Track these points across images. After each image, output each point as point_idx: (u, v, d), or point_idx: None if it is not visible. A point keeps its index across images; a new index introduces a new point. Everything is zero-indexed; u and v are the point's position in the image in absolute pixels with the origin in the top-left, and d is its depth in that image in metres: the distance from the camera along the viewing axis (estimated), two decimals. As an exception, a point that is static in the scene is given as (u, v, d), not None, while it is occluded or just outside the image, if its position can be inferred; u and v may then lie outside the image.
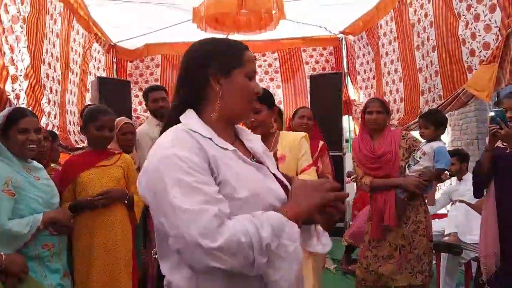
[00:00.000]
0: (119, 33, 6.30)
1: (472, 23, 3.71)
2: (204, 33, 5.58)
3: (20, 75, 3.59)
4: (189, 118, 1.15)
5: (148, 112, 3.76)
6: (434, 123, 2.93)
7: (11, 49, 3.51)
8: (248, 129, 2.05)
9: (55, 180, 2.32)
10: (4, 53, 3.45)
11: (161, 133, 1.16)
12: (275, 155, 2.33)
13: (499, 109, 2.55)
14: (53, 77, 4.32)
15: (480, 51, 3.69)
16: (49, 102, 4.15)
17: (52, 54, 4.34)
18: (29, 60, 3.71)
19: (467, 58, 3.86)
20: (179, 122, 1.14)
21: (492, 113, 2.55)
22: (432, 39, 4.35)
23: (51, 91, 4.23)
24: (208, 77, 1.15)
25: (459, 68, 4.00)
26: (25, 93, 3.62)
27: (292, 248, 1.01)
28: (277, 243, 0.99)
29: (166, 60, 7.07)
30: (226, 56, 1.17)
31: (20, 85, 3.54)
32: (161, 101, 3.56)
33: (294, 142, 2.39)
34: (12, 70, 3.49)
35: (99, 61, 6.17)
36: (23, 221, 1.95)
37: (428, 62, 4.52)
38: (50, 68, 4.25)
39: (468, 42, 3.80)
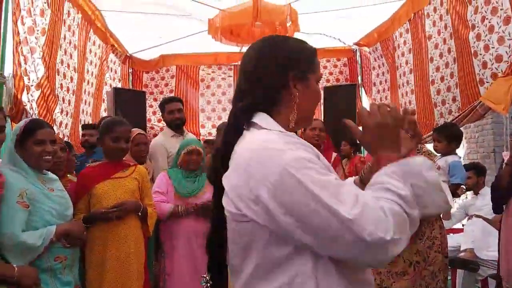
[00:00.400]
0: (135, 44, 6.39)
1: (486, 35, 3.67)
2: (219, 44, 5.64)
3: (32, 85, 3.66)
4: (268, 122, 1.07)
5: (162, 122, 3.81)
6: (447, 137, 2.90)
7: (25, 60, 3.57)
8: None
9: (70, 192, 2.34)
10: (20, 64, 3.52)
11: (227, 134, 1.09)
12: None
13: None
14: (68, 87, 4.38)
15: (493, 63, 3.64)
16: (61, 112, 4.21)
17: (68, 65, 4.41)
18: (44, 71, 3.77)
19: (479, 71, 3.81)
20: (247, 124, 1.08)
21: None
22: (453, 51, 4.30)
23: (63, 101, 4.28)
24: (288, 81, 1.10)
25: (471, 80, 3.95)
26: (36, 103, 3.69)
27: (422, 181, 1.02)
28: (411, 190, 0.97)
29: (180, 71, 7.13)
30: (305, 61, 1.14)
31: (32, 95, 3.60)
32: (177, 113, 3.61)
33: None
34: (25, 81, 3.56)
35: (115, 72, 6.25)
36: (37, 233, 1.96)
37: (447, 74, 4.47)
38: (65, 79, 4.31)
39: (481, 54, 3.75)
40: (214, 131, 7.04)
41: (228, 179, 1.03)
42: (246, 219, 0.97)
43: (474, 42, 3.81)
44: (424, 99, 4.94)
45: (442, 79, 4.53)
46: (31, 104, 3.61)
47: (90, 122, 5.09)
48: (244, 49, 6.71)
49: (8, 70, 3.47)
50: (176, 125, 3.61)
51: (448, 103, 4.46)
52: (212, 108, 7.19)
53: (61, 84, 4.23)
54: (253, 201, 0.94)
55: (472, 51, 3.85)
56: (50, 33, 3.90)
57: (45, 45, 3.82)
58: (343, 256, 0.93)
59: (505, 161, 2.74)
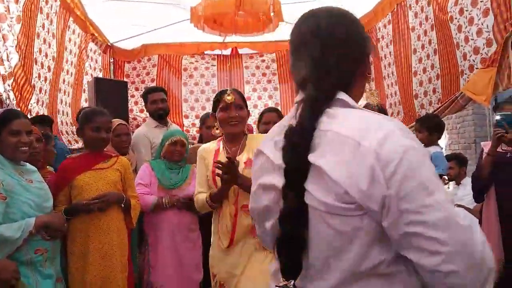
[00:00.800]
0: (116, 33, 6.26)
1: (466, 27, 3.70)
2: (202, 33, 5.57)
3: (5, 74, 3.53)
4: (350, 99, 0.95)
5: (145, 113, 3.75)
6: (428, 127, 2.93)
7: None
8: (228, 124, 2.06)
9: (50, 184, 2.29)
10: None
11: (312, 109, 0.91)
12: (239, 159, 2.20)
13: (505, 113, 2.53)
14: (45, 77, 4.26)
15: (471, 55, 3.68)
16: (37, 102, 4.09)
17: (46, 54, 4.29)
18: (18, 59, 3.65)
19: (461, 62, 3.85)
20: (328, 103, 0.93)
21: (498, 117, 2.53)
22: (434, 42, 4.33)
23: (40, 91, 4.16)
24: (365, 57, 1.01)
25: (454, 72, 3.99)
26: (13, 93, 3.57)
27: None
28: None
29: (163, 60, 7.03)
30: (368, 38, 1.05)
31: (9, 85, 3.49)
32: (160, 103, 3.55)
33: None
34: (1, 70, 3.44)
35: (96, 62, 6.13)
36: (15, 225, 1.91)
37: (428, 66, 4.50)
38: (42, 68, 4.20)
39: (462, 46, 3.79)
40: (197, 122, 6.99)
41: (330, 165, 0.84)
42: (357, 213, 0.83)
43: (456, 34, 3.84)
44: (407, 90, 4.98)
45: (424, 70, 4.57)
46: (7, 94, 3.49)
47: (69, 112, 4.99)
48: (228, 38, 6.71)
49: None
50: (159, 115, 3.55)
51: (429, 94, 4.51)
52: (195, 98, 7.12)
53: (39, 74, 4.11)
54: (380, 189, 0.80)
55: (455, 42, 3.88)
56: (26, 21, 3.76)
57: (21, 33, 3.69)
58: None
59: (485, 151, 2.77)
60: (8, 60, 3.52)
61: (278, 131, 1.02)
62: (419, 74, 4.64)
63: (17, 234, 1.89)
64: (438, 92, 4.32)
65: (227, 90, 2.24)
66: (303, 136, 0.89)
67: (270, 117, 2.92)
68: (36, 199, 2.05)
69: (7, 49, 3.53)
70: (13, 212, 1.94)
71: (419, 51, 4.63)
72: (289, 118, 1.02)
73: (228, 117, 2.18)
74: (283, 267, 0.91)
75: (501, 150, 2.68)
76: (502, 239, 2.64)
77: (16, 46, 3.60)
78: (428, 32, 4.41)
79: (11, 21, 3.56)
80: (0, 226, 1.87)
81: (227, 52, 7.20)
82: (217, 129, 2.25)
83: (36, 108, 4.02)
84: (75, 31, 5.12)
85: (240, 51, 7.21)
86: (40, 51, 4.13)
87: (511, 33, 3.25)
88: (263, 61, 7.25)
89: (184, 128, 6.64)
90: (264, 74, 7.25)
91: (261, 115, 2.91)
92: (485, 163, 2.71)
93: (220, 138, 2.29)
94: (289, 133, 0.92)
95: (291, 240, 0.89)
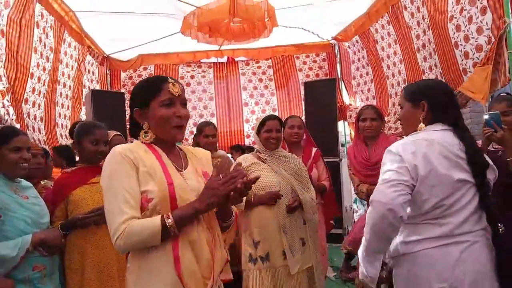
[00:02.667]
0: (112, 45, 6.28)
1: (466, 26, 3.70)
2: (195, 42, 5.58)
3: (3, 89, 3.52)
4: None
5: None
6: None
7: None
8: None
9: (46, 199, 2.27)
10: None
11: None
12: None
13: (493, 112, 2.53)
14: (39, 90, 4.25)
15: (474, 53, 3.67)
16: (34, 117, 4.08)
17: (44, 68, 4.29)
18: (12, 74, 3.63)
19: (462, 61, 3.83)
20: None
21: (486, 116, 2.53)
22: (432, 42, 4.33)
23: (33, 105, 4.13)
24: None
25: (454, 70, 3.98)
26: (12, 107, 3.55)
27: None
28: None
29: (159, 70, 7.06)
30: None
31: (8, 101, 3.47)
32: None
33: (207, 161, 1.76)
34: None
35: (93, 74, 6.14)
36: (11, 243, 1.90)
37: (432, 64, 4.49)
38: (38, 82, 4.18)
39: (461, 44, 3.78)
40: (195, 129, 6.98)
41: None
42: None
43: (454, 33, 3.83)
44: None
45: (430, 68, 4.56)
46: (7, 110, 3.48)
47: (69, 126, 4.98)
48: (224, 46, 6.70)
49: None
50: None
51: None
52: (192, 106, 7.13)
53: (34, 88, 4.10)
54: None
55: (453, 42, 3.88)
56: (15, 36, 3.71)
57: (9, 47, 3.64)
58: None
59: None
60: (4, 75, 3.52)
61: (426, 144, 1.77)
62: (426, 73, 4.62)
63: (14, 252, 1.87)
64: None
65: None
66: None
67: (272, 124, 2.88)
68: (32, 215, 2.03)
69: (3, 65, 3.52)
70: (8, 230, 1.93)
71: (422, 50, 4.63)
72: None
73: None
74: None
75: (492, 149, 2.67)
76: None
77: (3, 63, 3.56)
78: (427, 32, 4.41)
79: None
80: None
81: (223, 60, 7.22)
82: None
83: (31, 122, 4.01)
84: (70, 44, 5.13)
85: (236, 58, 7.23)
86: (38, 65, 4.13)
87: (504, 30, 3.25)
88: (259, 67, 7.27)
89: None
90: (260, 80, 7.26)
91: (263, 122, 2.88)
92: None
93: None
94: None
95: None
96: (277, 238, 2.71)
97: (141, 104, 1.56)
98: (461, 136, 1.78)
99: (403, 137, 3.23)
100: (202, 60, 7.17)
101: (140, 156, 1.48)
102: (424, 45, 4.57)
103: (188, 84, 7.15)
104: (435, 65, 4.41)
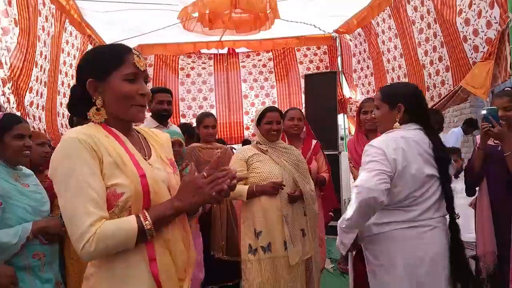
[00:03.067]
0: (112, 34, 6.24)
1: (475, 20, 3.68)
2: (191, 34, 5.55)
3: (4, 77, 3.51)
4: None
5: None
6: (435, 123, 2.91)
7: None
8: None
9: (48, 187, 2.27)
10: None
11: None
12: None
13: (491, 107, 2.55)
14: (41, 79, 4.24)
15: (484, 47, 3.65)
16: (31, 104, 4.07)
17: (46, 56, 4.28)
18: (17, 63, 3.63)
19: (471, 54, 3.81)
20: None
21: (484, 112, 2.55)
22: (439, 35, 4.31)
23: (36, 93, 4.14)
24: None
25: (464, 64, 3.96)
26: (13, 94, 3.55)
27: None
28: None
29: (159, 60, 7.02)
30: None
31: (9, 88, 3.46)
32: (166, 104, 3.50)
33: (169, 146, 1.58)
34: (1, 73, 3.42)
35: (93, 63, 6.11)
36: (11, 231, 1.90)
37: (435, 58, 4.48)
38: (40, 71, 4.18)
39: (470, 38, 3.76)
40: (195, 121, 6.97)
41: None
42: None
43: (463, 27, 3.82)
44: (416, 82, 4.94)
45: (431, 63, 4.56)
46: (7, 98, 3.47)
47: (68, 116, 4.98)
48: (225, 37, 6.67)
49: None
50: (163, 116, 3.51)
51: (437, 87, 4.49)
52: (192, 97, 7.12)
53: (37, 77, 4.09)
54: None
55: (462, 36, 3.86)
56: (25, 23, 3.73)
57: (20, 36, 3.67)
58: None
59: (477, 145, 2.78)
60: (6, 64, 3.50)
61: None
62: (427, 67, 4.62)
63: (14, 239, 1.88)
64: (448, 84, 4.31)
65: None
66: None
67: (273, 116, 2.88)
68: (33, 203, 2.04)
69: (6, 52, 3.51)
70: (9, 217, 1.93)
71: (423, 44, 4.62)
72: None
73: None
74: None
75: (492, 143, 2.67)
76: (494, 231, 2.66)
77: (15, 49, 3.57)
78: (432, 25, 4.39)
79: (9, 24, 3.54)
80: None
81: (224, 51, 7.20)
82: None
83: (32, 111, 4.00)
84: (72, 33, 5.10)
85: (237, 50, 7.21)
86: (41, 54, 4.12)
87: (507, 26, 3.24)
88: (259, 60, 7.24)
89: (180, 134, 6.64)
90: (261, 72, 7.24)
91: (263, 113, 2.88)
92: (476, 157, 2.73)
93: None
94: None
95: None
96: (279, 228, 2.72)
97: (98, 74, 1.29)
98: (430, 135, 2.08)
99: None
100: (202, 51, 7.14)
101: (102, 143, 1.24)
102: (427, 39, 4.56)
103: (188, 75, 7.13)
104: (439, 59, 4.40)
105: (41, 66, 4.17)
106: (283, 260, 2.70)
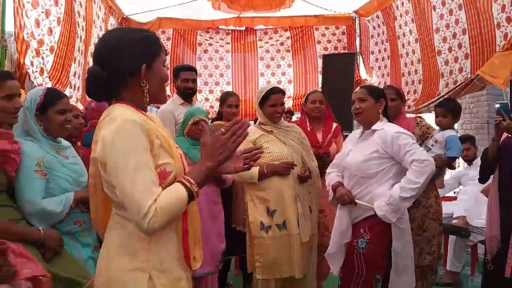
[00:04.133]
0: (131, 7, 6.27)
1: (508, 7, 3.67)
2: (216, 11, 5.57)
3: (47, 49, 3.65)
4: None
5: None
6: (452, 112, 2.99)
7: (37, 23, 3.55)
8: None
9: (83, 159, 2.40)
10: (25, 27, 3.48)
11: None
12: None
13: (503, 101, 2.66)
14: (82, 50, 4.44)
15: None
16: (74, 74, 4.24)
17: (83, 27, 4.42)
18: (59, 35, 3.80)
19: (500, 42, 3.80)
20: None
21: (497, 105, 2.68)
22: (462, 22, 4.30)
23: (79, 64, 4.35)
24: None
25: (489, 51, 3.96)
26: (52, 66, 3.71)
27: None
28: None
29: (178, 34, 7.02)
30: None
31: (43, 59, 3.59)
32: (191, 82, 3.62)
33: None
34: (34, 44, 3.54)
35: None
36: (56, 199, 2.04)
37: (454, 45, 4.48)
38: (80, 42, 4.35)
39: (503, 26, 3.74)
40: (211, 97, 7.06)
41: None
42: None
43: (498, 13, 3.80)
44: (429, 68, 4.96)
45: (449, 49, 4.55)
46: (42, 68, 3.61)
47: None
48: (243, 14, 6.67)
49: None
50: (188, 94, 3.63)
51: (454, 74, 4.50)
52: (209, 73, 7.16)
53: (79, 47, 4.26)
54: None
55: (496, 23, 3.84)
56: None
57: (65, 13, 3.85)
58: None
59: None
60: (48, 35, 3.67)
61: None
62: (444, 53, 4.62)
63: (59, 208, 2.02)
64: (466, 71, 4.32)
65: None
66: None
67: (277, 98, 2.92)
68: (73, 174, 2.16)
69: (46, 24, 3.67)
70: (53, 187, 2.06)
71: (443, 30, 4.60)
72: None
73: None
74: None
75: (510, 135, 2.78)
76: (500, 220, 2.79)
77: (56, 20, 3.77)
78: (455, 12, 4.37)
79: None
80: (43, 201, 2.00)
81: (242, 28, 7.19)
82: None
83: (73, 81, 4.21)
84: (100, 7, 5.22)
85: (255, 27, 7.19)
86: (78, 25, 4.31)
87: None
88: (277, 40, 7.22)
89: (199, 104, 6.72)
90: (278, 51, 7.24)
91: (267, 95, 2.92)
92: (490, 147, 2.85)
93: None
94: None
95: None
96: (292, 206, 2.79)
97: (148, 60, 1.37)
98: None
99: (421, 117, 3.33)
100: (220, 27, 7.15)
101: (150, 126, 1.33)
102: (447, 25, 4.55)
103: (205, 51, 7.16)
104: (459, 46, 4.40)
105: (81, 37, 4.41)
106: (297, 237, 2.78)
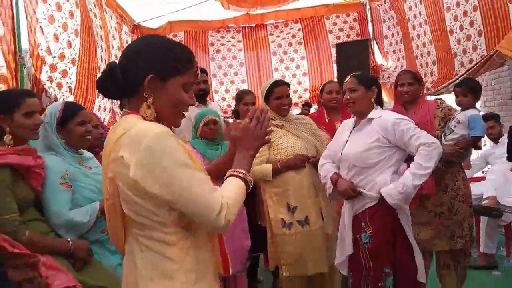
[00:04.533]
0: (142, 13, 6.33)
1: None
2: (226, 11, 5.57)
3: (68, 62, 3.79)
4: None
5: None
6: (472, 90, 2.90)
7: (56, 38, 3.67)
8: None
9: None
10: (40, 44, 3.56)
11: None
12: None
13: None
14: (105, 59, 4.57)
15: None
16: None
17: (101, 37, 4.51)
18: (79, 46, 3.93)
19: None
20: None
21: None
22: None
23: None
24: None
25: (503, 27, 3.86)
26: (77, 79, 3.86)
27: None
28: None
29: (189, 36, 7.06)
30: None
31: (67, 73, 3.71)
32: (202, 84, 3.64)
33: None
34: (50, 60, 3.62)
35: (126, 42, 6.25)
36: (83, 210, 2.07)
37: (466, 23, 4.38)
38: (102, 51, 4.45)
39: None
40: (227, 96, 7.08)
41: None
42: None
43: None
44: (442, 49, 4.86)
45: (461, 28, 4.46)
46: (60, 82, 3.73)
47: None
48: (252, 11, 6.66)
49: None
50: (201, 95, 3.65)
51: (468, 52, 4.41)
52: (223, 73, 7.18)
53: (101, 56, 4.36)
54: None
55: None
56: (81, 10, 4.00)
57: (82, 21, 3.97)
58: None
59: None
60: (68, 48, 3.80)
61: None
62: (456, 33, 4.53)
63: (86, 218, 2.05)
64: (481, 49, 4.23)
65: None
66: None
67: (282, 90, 2.87)
68: (97, 184, 2.19)
69: (65, 38, 3.79)
70: (79, 198, 2.10)
71: (453, 9, 4.51)
72: None
73: None
74: None
75: None
76: None
77: (74, 32, 3.90)
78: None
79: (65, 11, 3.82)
80: (70, 212, 2.04)
81: (252, 24, 7.18)
82: None
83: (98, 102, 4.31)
84: (112, 16, 5.30)
85: (265, 22, 7.17)
86: (97, 35, 4.42)
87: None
88: (288, 32, 7.17)
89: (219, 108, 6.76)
90: (290, 44, 7.20)
91: (271, 89, 2.88)
92: None
93: None
94: None
95: None
96: (313, 199, 2.75)
97: (162, 73, 1.24)
98: None
99: (441, 99, 3.25)
100: (230, 25, 7.15)
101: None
102: (458, 4, 4.45)
103: (218, 51, 7.18)
104: (471, 24, 4.30)
105: (102, 47, 4.57)
106: (320, 231, 2.73)
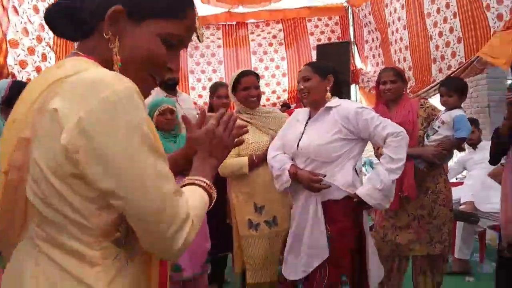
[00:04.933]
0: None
1: None
2: (207, 6, 5.43)
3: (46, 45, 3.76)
4: None
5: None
6: (457, 90, 2.83)
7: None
8: None
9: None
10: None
11: None
12: None
13: None
14: None
15: (507, 16, 3.57)
16: None
17: None
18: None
19: (494, 23, 3.73)
20: None
21: (509, 81, 2.55)
22: (452, 5, 4.23)
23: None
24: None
25: (482, 34, 3.87)
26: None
27: None
28: None
29: (167, 33, 6.91)
30: None
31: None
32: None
33: None
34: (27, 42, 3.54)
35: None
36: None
37: (445, 29, 4.40)
38: None
39: (493, 7, 3.67)
40: (204, 93, 6.92)
41: None
42: None
43: None
44: (420, 55, 4.88)
45: (440, 34, 4.48)
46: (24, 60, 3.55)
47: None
48: (234, 9, 6.56)
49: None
50: (168, 85, 3.44)
51: (447, 58, 4.42)
52: (201, 70, 7.03)
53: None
54: None
55: (484, 4, 3.77)
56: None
57: None
58: None
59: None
60: None
61: None
62: (435, 39, 4.55)
63: None
64: (460, 56, 4.24)
65: None
66: None
67: (249, 81, 2.67)
68: None
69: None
70: None
71: (434, 15, 4.53)
72: None
73: None
74: None
75: None
76: None
77: None
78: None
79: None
80: None
81: (233, 23, 7.08)
82: None
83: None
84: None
85: (246, 21, 7.08)
86: None
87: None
88: (269, 32, 7.09)
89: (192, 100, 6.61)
90: (270, 44, 7.12)
91: (237, 79, 2.70)
92: (502, 126, 2.72)
93: None
94: None
95: None
96: (282, 200, 2.62)
97: (137, 11, 0.83)
98: None
99: (425, 98, 3.19)
100: (210, 23, 7.02)
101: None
102: (438, 10, 4.48)
103: (196, 48, 7.03)
104: (450, 30, 4.32)
105: None
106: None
